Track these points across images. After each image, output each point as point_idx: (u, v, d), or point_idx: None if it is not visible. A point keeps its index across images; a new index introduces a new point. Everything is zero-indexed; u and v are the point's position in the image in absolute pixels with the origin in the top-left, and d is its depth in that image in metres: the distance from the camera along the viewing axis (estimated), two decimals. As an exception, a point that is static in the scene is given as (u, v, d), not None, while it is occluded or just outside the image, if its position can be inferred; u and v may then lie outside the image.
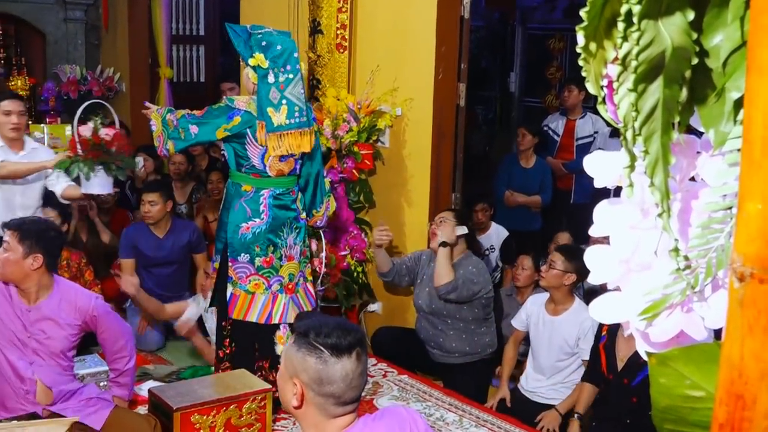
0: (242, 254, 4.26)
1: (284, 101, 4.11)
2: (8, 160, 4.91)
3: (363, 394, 3.75)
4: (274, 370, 4.25)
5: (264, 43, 4.13)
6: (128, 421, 3.72)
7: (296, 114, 4.14)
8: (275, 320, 4.34)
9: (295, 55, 4.18)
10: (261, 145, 4.15)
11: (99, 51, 8.78)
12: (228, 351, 4.42)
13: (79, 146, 4.51)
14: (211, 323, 4.98)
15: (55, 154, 5.10)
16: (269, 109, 4.10)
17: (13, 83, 8.15)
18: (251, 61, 4.13)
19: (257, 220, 4.25)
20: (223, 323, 4.42)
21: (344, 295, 5.32)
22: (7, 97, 5.13)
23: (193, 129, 4.20)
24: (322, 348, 2.10)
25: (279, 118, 4.11)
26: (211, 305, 4.65)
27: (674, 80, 0.75)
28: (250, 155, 4.20)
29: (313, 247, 4.75)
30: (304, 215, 4.42)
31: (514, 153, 6.69)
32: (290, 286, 4.39)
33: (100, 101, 4.85)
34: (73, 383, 3.81)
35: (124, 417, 3.75)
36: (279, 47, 4.14)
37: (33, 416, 3.62)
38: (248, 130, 4.15)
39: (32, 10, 8.23)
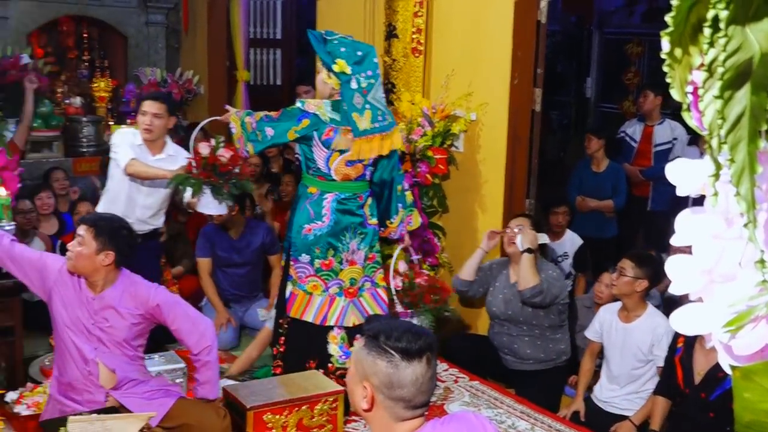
0: (303, 254, 4.34)
1: (368, 106, 4.18)
2: (139, 160, 4.90)
3: (434, 399, 3.74)
4: (322, 370, 4.34)
5: (343, 49, 4.21)
6: (194, 410, 3.73)
7: (379, 118, 4.23)
8: (330, 322, 4.39)
9: (375, 60, 4.25)
10: (333, 149, 4.20)
11: (179, 54, 8.96)
12: (281, 349, 4.46)
13: (194, 163, 4.57)
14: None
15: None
16: (354, 114, 4.16)
17: (96, 85, 8.36)
18: (335, 67, 4.18)
19: (319, 222, 4.31)
20: (280, 320, 4.49)
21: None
22: (150, 98, 5.10)
23: (269, 131, 4.28)
24: (393, 352, 2.09)
25: (364, 122, 4.18)
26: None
27: (762, 87, 0.73)
28: (316, 158, 4.26)
29: (401, 267, 4.81)
30: (373, 221, 4.44)
31: (587, 158, 6.62)
32: (351, 290, 4.41)
33: (217, 118, 4.82)
34: (141, 373, 3.88)
35: (190, 406, 3.78)
36: (359, 53, 4.21)
37: (111, 410, 3.70)
38: (315, 132, 4.21)
39: (115, 13, 8.43)
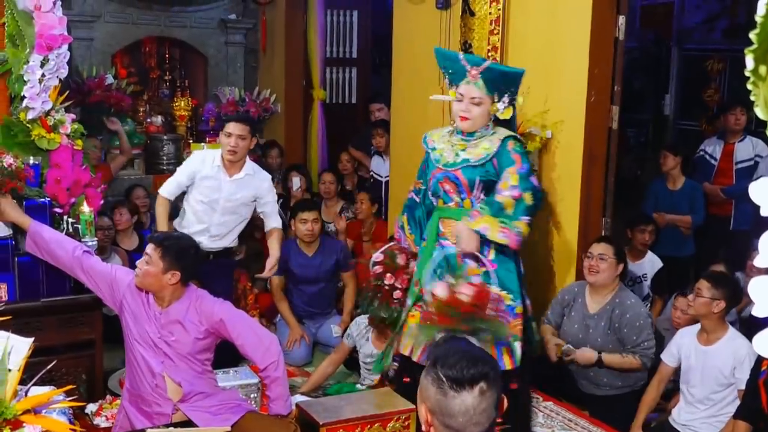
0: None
1: None
2: (220, 181, 5.06)
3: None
4: None
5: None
6: (263, 425, 3.78)
7: None
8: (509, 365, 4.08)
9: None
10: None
11: (257, 73, 9.10)
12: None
13: (433, 309, 3.82)
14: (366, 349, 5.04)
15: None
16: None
17: (176, 104, 8.55)
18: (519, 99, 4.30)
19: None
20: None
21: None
22: (235, 119, 5.18)
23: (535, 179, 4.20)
24: (443, 379, 2.01)
25: None
26: None
27: None
28: None
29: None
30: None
31: (663, 176, 6.51)
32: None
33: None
34: (210, 387, 3.93)
35: (259, 420, 3.84)
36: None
37: (181, 424, 3.76)
38: None
39: (196, 34, 8.62)
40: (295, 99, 8.79)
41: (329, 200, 7.18)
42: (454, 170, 4.14)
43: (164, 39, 8.64)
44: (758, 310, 0.84)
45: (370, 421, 3.89)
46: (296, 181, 7.28)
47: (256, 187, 5.12)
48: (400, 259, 4.50)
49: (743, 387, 4.14)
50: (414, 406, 3.93)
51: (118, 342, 4.04)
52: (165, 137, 8.14)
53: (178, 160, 8.10)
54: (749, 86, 0.80)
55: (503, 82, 4.14)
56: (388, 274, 4.49)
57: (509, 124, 4.26)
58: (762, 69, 0.78)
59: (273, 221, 5.29)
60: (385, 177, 7.26)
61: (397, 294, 4.46)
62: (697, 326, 4.44)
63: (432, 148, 4.32)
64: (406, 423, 3.97)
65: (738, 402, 4.21)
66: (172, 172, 7.84)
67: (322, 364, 5.21)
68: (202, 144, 8.29)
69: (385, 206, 7.05)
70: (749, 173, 6.37)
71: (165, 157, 8.06)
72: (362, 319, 5.07)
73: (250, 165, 5.18)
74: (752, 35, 0.77)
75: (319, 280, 5.94)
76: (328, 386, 5.12)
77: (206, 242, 5.03)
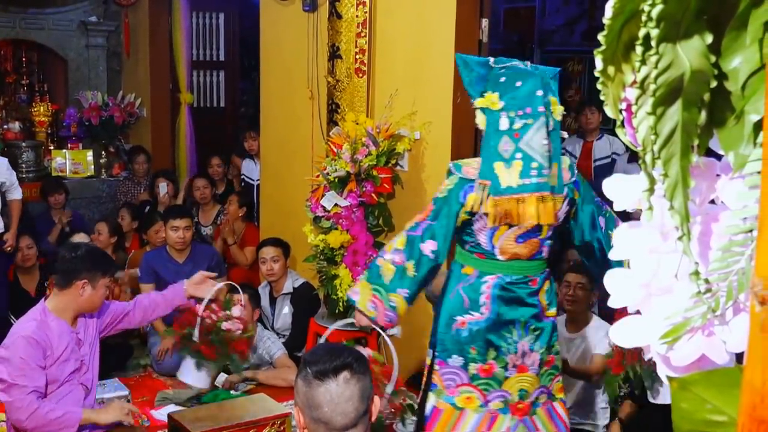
0: (454, 356, 3.30)
1: (519, 154, 3.11)
2: None
3: (390, 421, 3.57)
4: None
5: (503, 80, 3.20)
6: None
7: (533, 172, 3.10)
8: None
9: (539, 93, 3.14)
10: (480, 212, 3.18)
11: (120, 77, 8.87)
12: None
13: (197, 329, 4.11)
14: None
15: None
16: (497, 164, 3.14)
17: (35, 109, 8.23)
18: (478, 102, 3.24)
19: (476, 314, 3.26)
20: None
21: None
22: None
23: (427, 246, 3.22)
24: (309, 371, 2.09)
25: (510, 177, 3.11)
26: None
27: (693, 103, 0.75)
28: (475, 231, 3.24)
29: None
30: (552, 312, 3.34)
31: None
32: (521, 406, 3.31)
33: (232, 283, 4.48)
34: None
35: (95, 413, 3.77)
36: (519, 83, 3.17)
37: None
38: None
39: (55, 37, 8.32)
40: (162, 103, 8.61)
41: (205, 205, 7.10)
42: None
43: (21, 42, 8.31)
44: (614, 301, 0.87)
45: (245, 428, 3.84)
46: (163, 187, 7.15)
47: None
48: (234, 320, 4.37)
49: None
50: (288, 411, 3.92)
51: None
52: (24, 144, 7.83)
53: (39, 168, 7.81)
54: (599, 86, 0.83)
55: None
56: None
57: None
58: (610, 69, 0.81)
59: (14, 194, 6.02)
60: (257, 180, 7.21)
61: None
62: (563, 315, 4.60)
63: None
64: (282, 428, 3.94)
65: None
66: (32, 181, 7.60)
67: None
68: (64, 151, 8.05)
69: (257, 210, 7.00)
70: (607, 170, 6.62)
71: (24, 165, 7.74)
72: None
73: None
74: (600, 37, 0.80)
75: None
76: (203, 394, 5.03)
77: None
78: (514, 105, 3.12)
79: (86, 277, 3.62)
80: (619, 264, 0.91)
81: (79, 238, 5.84)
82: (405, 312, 3.30)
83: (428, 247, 3.19)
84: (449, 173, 3.28)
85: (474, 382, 3.27)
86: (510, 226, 3.14)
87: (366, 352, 3.17)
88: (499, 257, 3.21)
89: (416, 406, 3.48)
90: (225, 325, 4.19)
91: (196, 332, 4.10)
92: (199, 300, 4.06)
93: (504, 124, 3.12)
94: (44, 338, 3.57)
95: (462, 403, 3.29)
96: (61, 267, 3.72)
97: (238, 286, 4.37)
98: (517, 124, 3.11)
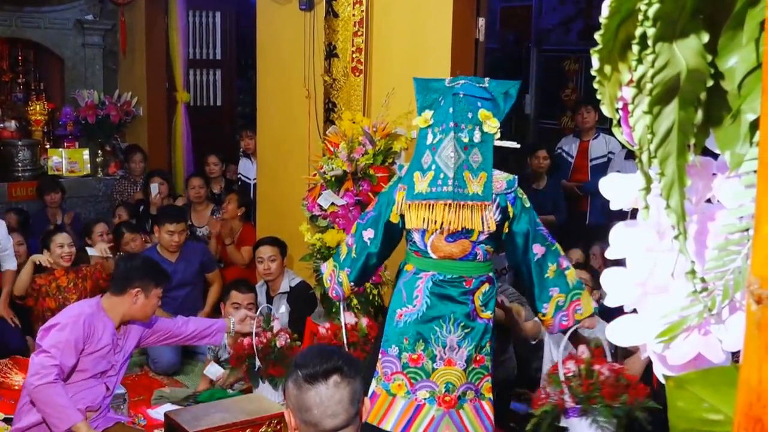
0: (393, 346, 3.57)
1: (433, 165, 3.44)
2: None
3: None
4: None
5: (438, 98, 3.51)
6: None
7: (439, 182, 3.42)
8: None
9: (450, 111, 3.44)
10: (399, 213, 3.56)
11: (116, 76, 8.85)
12: None
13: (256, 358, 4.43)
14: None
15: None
16: (416, 173, 3.49)
17: (31, 108, 8.22)
18: (416, 120, 3.55)
19: (410, 306, 3.54)
20: None
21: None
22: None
23: (366, 234, 3.66)
24: (299, 374, 2.09)
25: (421, 185, 3.46)
26: None
27: (689, 102, 0.75)
28: (412, 230, 3.54)
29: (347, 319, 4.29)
30: (486, 314, 3.54)
31: (528, 175, 6.69)
32: (448, 399, 3.51)
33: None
34: None
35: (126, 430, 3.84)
36: (442, 101, 3.48)
37: None
38: None
39: (51, 35, 8.31)
40: (158, 102, 8.59)
41: (199, 205, 7.08)
42: None
43: (17, 40, 8.29)
44: (610, 300, 0.87)
45: (241, 427, 3.84)
46: (154, 188, 7.13)
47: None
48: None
49: None
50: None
51: None
52: (20, 143, 7.82)
53: (35, 166, 7.80)
54: (595, 85, 0.83)
55: None
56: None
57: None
58: (607, 68, 0.81)
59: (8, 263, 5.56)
60: (254, 179, 7.20)
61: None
62: None
63: None
64: (278, 427, 3.94)
65: None
66: (28, 179, 7.59)
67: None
68: (60, 150, 8.04)
69: (253, 209, 6.99)
70: (603, 169, 6.63)
71: (20, 164, 7.74)
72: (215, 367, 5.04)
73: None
74: (597, 36, 0.80)
75: (185, 285, 5.87)
76: (199, 393, 5.03)
77: None
78: (438, 122, 3.44)
79: (139, 285, 3.81)
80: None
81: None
82: (349, 290, 3.81)
83: (367, 234, 3.63)
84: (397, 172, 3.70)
85: (404, 371, 3.52)
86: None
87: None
88: (432, 255, 3.50)
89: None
90: (279, 342, 4.44)
91: (257, 361, 4.38)
92: (244, 335, 4.44)
93: (429, 139, 3.46)
94: (92, 326, 3.73)
95: (394, 390, 3.54)
96: (117, 274, 3.98)
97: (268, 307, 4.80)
98: (436, 139, 3.44)
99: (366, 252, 3.66)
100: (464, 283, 3.49)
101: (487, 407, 3.57)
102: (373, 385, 3.57)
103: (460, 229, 3.41)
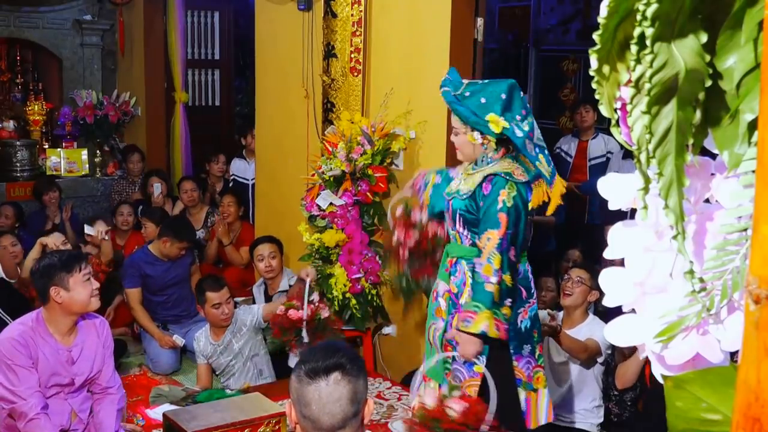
0: (525, 345, 3.59)
1: (537, 149, 3.59)
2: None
3: (377, 417, 3.61)
4: None
5: (483, 100, 3.54)
6: None
7: (551, 158, 3.67)
8: (551, 417, 3.72)
9: (520, 93, 3.61)
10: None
11: (115, 76, 8.85)
12: None
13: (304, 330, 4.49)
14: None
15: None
16: (538, 165, 3.60)
17: (30, 108, 8.22)
18: (492, 126, 3.52)
19: (532, 300, 3.65)
20: None
21: (359, 318, 5.30)
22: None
23: (512, 252, 3.60)
24: (302, 368, 2.09)
25: (545, 167, 3.62)
26: None
27: (688, 102, 0.75)
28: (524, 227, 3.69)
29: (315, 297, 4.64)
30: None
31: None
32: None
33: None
34: None
35: None
36: (503, 95, 3.53)
37: None
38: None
39: (49, 35, 8.31)
40: (156, 102, 8.60)
41: (193, 208, 7.07)
42: (449, 199, 3.83)
43: (15, 40, 8.29)
44: (608, 300, 0.87)
45: (240, 427, 3.84)
46: (157, 187, 7.13)
47: None
48: (414, 215, 4.06)
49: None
50: (283, 411, 3.92)
51: None
52: (18, 143, 7.81)
53: (33, 167, 7.80)
54: (594, 85, 0.83)
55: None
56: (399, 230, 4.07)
57: (517, 151, 3.68)
58: (605, 68, 0.81)
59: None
60: (251, 180, 7.19)
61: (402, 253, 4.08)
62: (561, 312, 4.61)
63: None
64: (277, 427, 3.94)
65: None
66: (26, 179, 7.59)
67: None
68: (59, 150, 8.04)
69: (252, 209, 6.99)
70: (602, 169, 6.63)
71: (19, 164, 7.73)
72: (201, 334, 4.99)
73: None
74: (596, 36, 0.80)
75: (179, 281, 5.88)
76: (198, 393, 5.02)
77: None
78: (512, 113, 3.57)
79: (54, 284, 3.64)
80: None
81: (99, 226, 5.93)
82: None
83: (512, 252, 3.58)
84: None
85: (539, 362, 3.69)
86: None
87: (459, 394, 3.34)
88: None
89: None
90: (323, 314, 4.58)
91: (305, 333, 4.49)
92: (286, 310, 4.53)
93: (518, 132, 3.56)
94: (30, 342, 3.59)
95: (536, 385, 3.64)
96: (35, 287, 3.81)
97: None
98: (525, 126, 3.58)
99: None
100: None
101: None
102: (523, 395, 3.56)
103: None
